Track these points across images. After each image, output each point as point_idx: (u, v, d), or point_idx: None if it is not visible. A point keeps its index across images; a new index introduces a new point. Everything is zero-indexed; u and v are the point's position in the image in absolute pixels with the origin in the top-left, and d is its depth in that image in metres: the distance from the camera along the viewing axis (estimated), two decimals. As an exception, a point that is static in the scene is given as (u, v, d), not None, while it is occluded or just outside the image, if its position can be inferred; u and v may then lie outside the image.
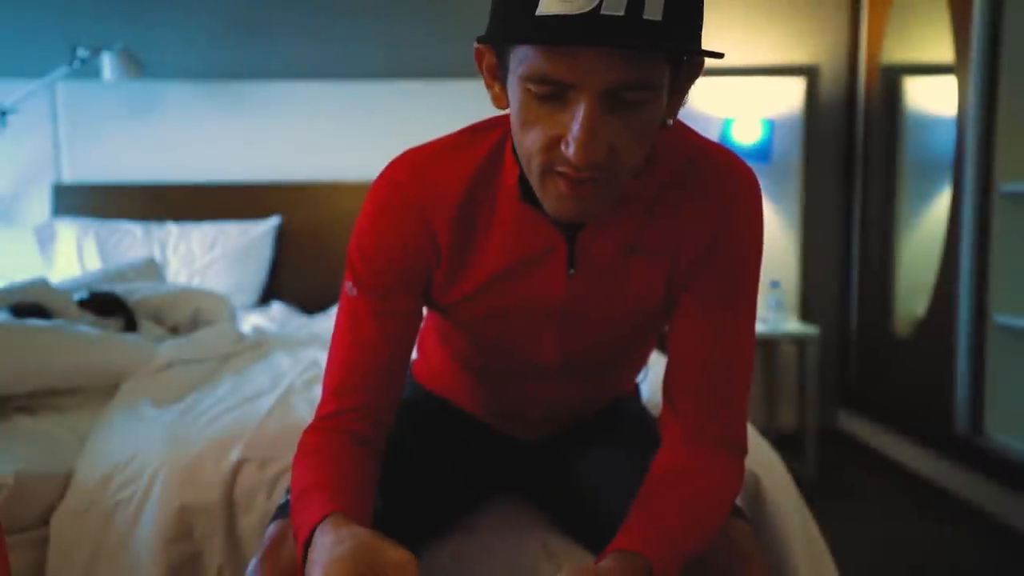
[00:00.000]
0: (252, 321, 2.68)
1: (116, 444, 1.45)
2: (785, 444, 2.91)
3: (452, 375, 1.18)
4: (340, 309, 0.97)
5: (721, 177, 0.93)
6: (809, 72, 3.43)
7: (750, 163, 1.00)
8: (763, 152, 3.24)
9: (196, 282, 2.93)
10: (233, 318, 2.33)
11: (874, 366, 3.34)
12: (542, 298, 0.96)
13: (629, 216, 0.92)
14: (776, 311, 3.11)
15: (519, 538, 1.18)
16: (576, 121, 0.75)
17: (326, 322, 2.61)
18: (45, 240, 3.02)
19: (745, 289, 0.96)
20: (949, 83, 2.74)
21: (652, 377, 1.57)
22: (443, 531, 1.15)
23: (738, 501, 1.10)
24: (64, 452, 1.48)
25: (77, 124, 3.24)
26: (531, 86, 0.76)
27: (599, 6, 0.70)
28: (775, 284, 3.16)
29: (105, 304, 2.07)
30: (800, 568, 1.28)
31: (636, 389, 1.33)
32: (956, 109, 2.70)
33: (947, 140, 2.80)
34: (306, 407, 1.57)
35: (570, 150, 0.76)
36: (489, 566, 1.15)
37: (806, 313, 3.49)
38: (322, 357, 2.02)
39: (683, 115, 0.89)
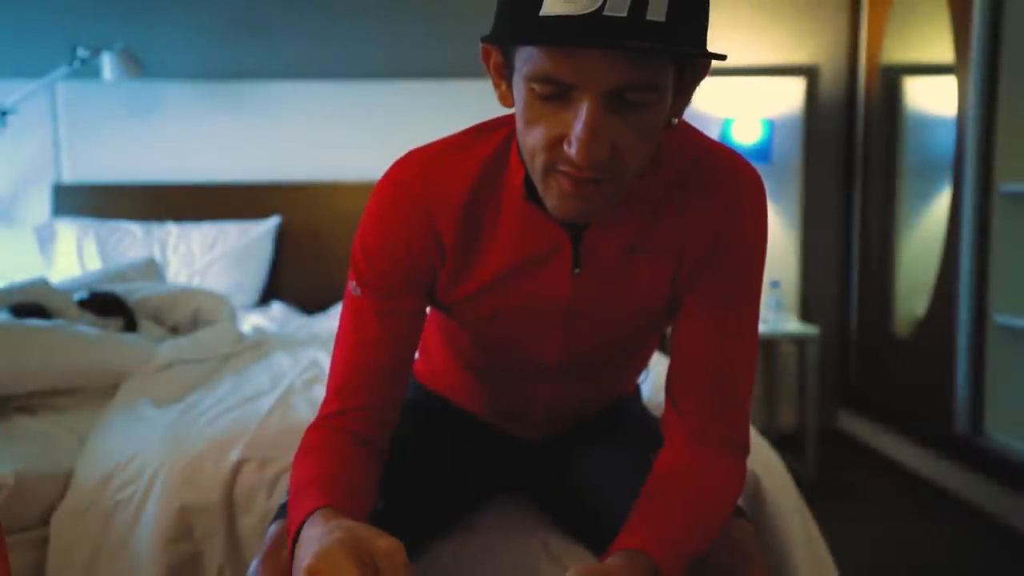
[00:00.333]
0: (252, 321, 2.68)
1: (116, 444, 1.45)
2: (785, 444, 2.91)
3: (454, 375, 1.18)
4: (344, 309, 0.97)
5: (725, 177, 0.93)
6: (809, 72, 3.43)
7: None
8: (763, 152, 3.25)
9: (196, 282, 2.92)
10: (233, 318, 2.33)
11: (874, 366, 3.34)
12: (547, 297, 0.96)
13: (634, 216, 0.92)
14: (776, 311, 3.11)
15: (521, 538, 1.18)
16: (579, 121, 0.75)
17: (326, 322, 2.61)
18: (45, 240, 3.02)
19: (749, 289, 0.96)
20: (949, 83, 2.75)
21: (653, 377, 1.57)
22: (445, 531, 1.15)
23: (739, 501, 1.10)
24: (64, 452, 1.47)
25: (77, 124, 3.24)
26: (535, 86, 0.76)
27: (602, 7, 0.70)
28: (775, 284, 3.16)
29: (105, 304, 2.07)
30: (800, 568, 1.28)
31: (637, 389, 1.33)
32: (956, 109, 2.70)
33: (947, 140, 2.80)
34: (306, 407, 1.57)
35: (572, 149, 0.76)
36: (491, 566, 1.15)
37: (806, 313, 3.50)
38: (322, 357, 2.02)
39: (683, 115, 0.89)
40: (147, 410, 1.59)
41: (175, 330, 2.20)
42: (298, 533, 0.79)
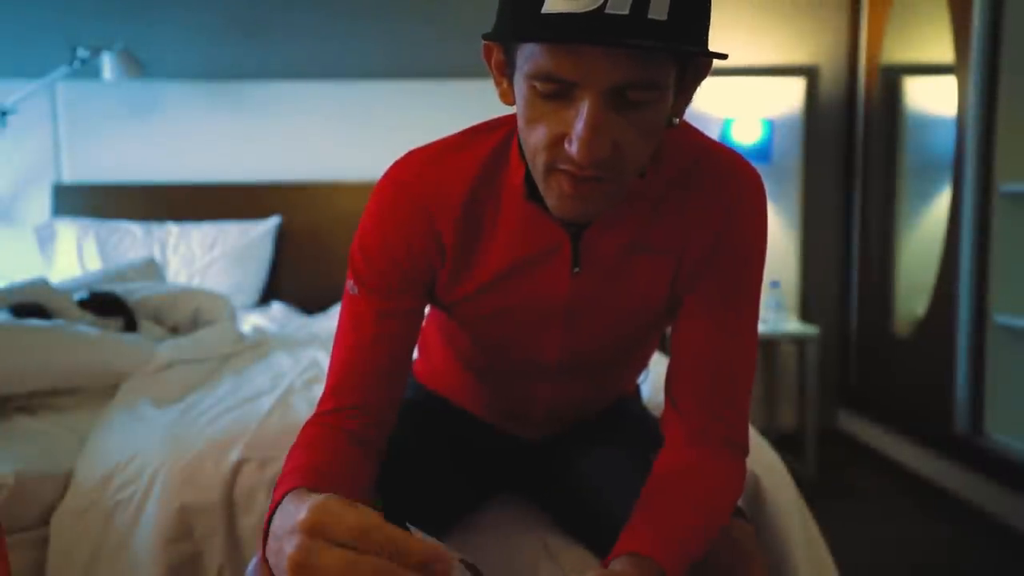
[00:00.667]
0: (252, 321, 2.68)
1: (116, 444, 1.45)
2: (785, 444, 2.91)
3: (454, 375, 1.18)
4: (343, 308, 0.97)
5: (726, 177, 0.93)
6: (809, 72, 3.44)
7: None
8: (763, 152, 3.25)
9: (196, 282, 2.93)
10: (233, 318, 2.33)
11: (874, 366, 3.34)
12: (547, 296, 0.96)
13: (634, 215, 0.92)
14: (776, 311, 3.11)
15: (520, 537, 1.18)
16: (580, 119, 0.75)
17: (326, 322, 2.61)
18: (45, 240, 3.02)
19: (748, 289, 0.96)
20: (949, 83, 2.75)
21: (653, 377, 1.57)
22: (445, 531, 1.15)
23: (739, 501, 1.10)
24: (64, 452, 1.47)
25: (77, 124, 3.24)
26: (536, 84, 0.76)
27: (604, 5, 0.70)
28: (775, 284, 3.16)
29: (105, 304, 2.07)
30: (800, 568, 1.28)
31: (637, 389, 1.33)
32: (956, 109, 2.70)
33: (947, 140, 2.80)
34: (306, 407, 1.57)
35: (573, 148, 0.76)
36: (490, 565, 1.15)
37: (806, 313, 3.50)
38: (322, 357, 2.02)
39: (684, 115, 0.89)
40: (147, 410, 1.59)
41: (175, 330, 2.20)
42: (271, 519, 0.74)
